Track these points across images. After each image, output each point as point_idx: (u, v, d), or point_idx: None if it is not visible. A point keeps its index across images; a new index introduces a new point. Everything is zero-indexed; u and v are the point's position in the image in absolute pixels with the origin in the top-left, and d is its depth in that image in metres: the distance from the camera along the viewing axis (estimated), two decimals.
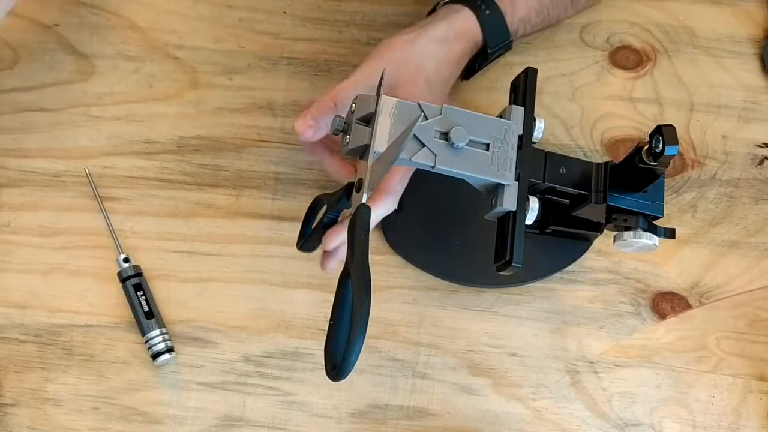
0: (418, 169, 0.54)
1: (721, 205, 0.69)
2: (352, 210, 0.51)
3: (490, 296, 0.67)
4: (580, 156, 0.70)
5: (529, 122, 0.57)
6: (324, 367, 0.49)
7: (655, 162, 0.54)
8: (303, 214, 0.68)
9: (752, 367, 0.65)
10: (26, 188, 0.69)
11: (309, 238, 0.60)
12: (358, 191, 0.51)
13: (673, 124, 0.54)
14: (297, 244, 0.61)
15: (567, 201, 0.61)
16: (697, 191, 0.70)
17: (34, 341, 0.65)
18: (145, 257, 0.67)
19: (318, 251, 0.61)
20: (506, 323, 0.66)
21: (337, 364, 0.47)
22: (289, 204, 0.69)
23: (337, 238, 0.59)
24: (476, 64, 0.69)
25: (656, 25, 0.74)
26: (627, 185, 0.58)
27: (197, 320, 0.66)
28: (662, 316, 0.66)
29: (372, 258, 0.49)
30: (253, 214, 0.69)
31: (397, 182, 0.60)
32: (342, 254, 0.61)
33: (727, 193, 0.70)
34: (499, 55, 0.70)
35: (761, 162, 0.70)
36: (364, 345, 0.46)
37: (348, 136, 0.54)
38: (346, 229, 0.52)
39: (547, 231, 0.66)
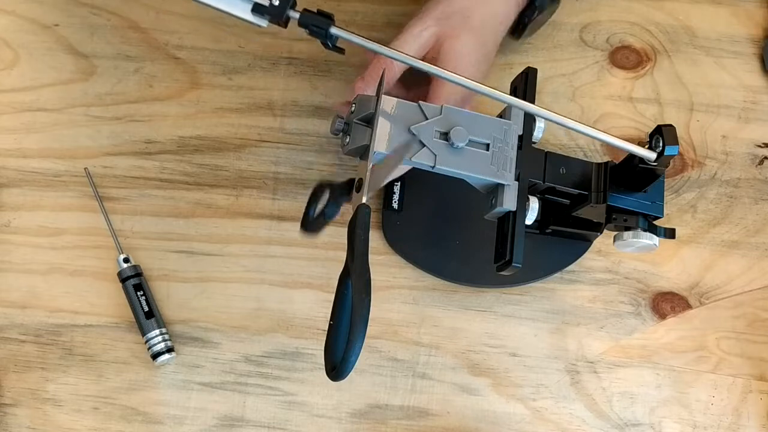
0: (418, 169, 0.54)
1: (721, 205, 0.69)
2: (352, 210, 0.51)
3: (490, 296, 0.67)
4: (580, 156, 0.70)
5: (529, 122, 0.57)
6: (324, 367, 0.49)
7: (655, 162, 0.54)
8: (302, 214, 0.68)
9: (752, 367, 0.65)
10: (26, 188, 0.69)
11: (314, 221, 0.58)
12: (358, 191, 0.51)
13: (673, 124, 0.54)
14: (301, 226, 0.59)
15: (567, 201, 0.61)
16: (697, 191, 0.70)
17: (34, 341, 0.65)
18: (145, 257, 0.67)
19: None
20: (506, 323, 0.66)
21: (337, 364, 0.47)
22: (289, 204, 0.69)
23: (366, 88, 0.60)
24: (525, 18, 0.68)
25: (656, 25, 0.74)
26: (627, 185, 0.58)
27: (197, 320, 0.66)
28: (662, 316, 0.66)
29: (372, 258, 0.49)
30: (253, 214, 0.69)
31: None
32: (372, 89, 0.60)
33: (727, 193, 0.70)
34: (545, 9, 0.69)
35: (761, 162, 0.70)
36: (364, 345, 0.46)
37: (348, 137, 0.54)
38: (372, 82, 0.54)
39: (547, 231, 0.66)
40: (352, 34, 0.51)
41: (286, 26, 0.52)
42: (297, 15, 0.51)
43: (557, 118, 0.53)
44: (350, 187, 0.54)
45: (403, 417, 0.64)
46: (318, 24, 0.51)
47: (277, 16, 0.51)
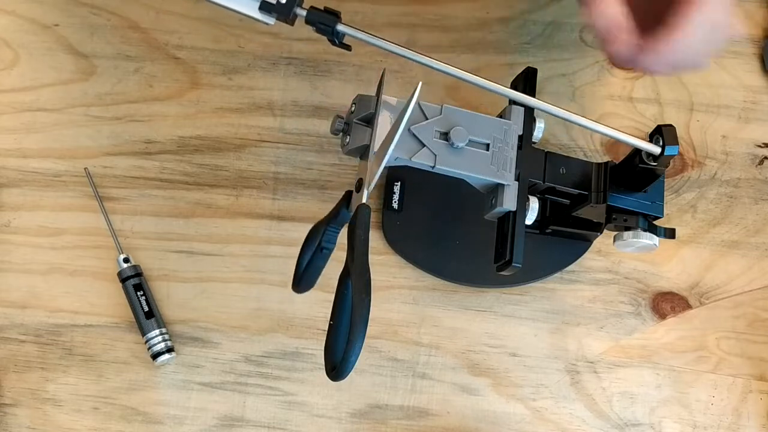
0: (417, 168, 0.54)
1: (721, 205, 0.69)
2: (351, 211, 0.51)
3: (490, 296, 0.67)
4: (580, 156, 0.70)
5: (529, 122, 0.57)
6: (324, 367, 0.49)
7: (655, 162, 0.54)
8: (302, 214, 0.68)
9: (752, 367, 0.65)
10: (26, 188, 0.69)
11: (305, 273, 0.56)
12: (358, 191, 0.51)
13: (673, 124, 0.54)
14: (292, 284, 0.57)
15: (567, 201, 0.61)
16: (697, 191, 0.70)
17: (34, 341, 0.65)
18: (145, 257, 0.67)
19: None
20: (506, 323, 0.66)
21: (337, 364, 0.47)
22: (289, 204, 0.69)
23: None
24: None
25: None
26: (627, 185, 0.58)
27: (197, 320, 0.66)
28: (662, 316, 0.66)
29: (372, 258, 0.49)
30: (253, 214, 0.69)
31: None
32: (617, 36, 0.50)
33: (727, 193, 0.70)
34: None
35: (761, 162, 0.70)
36: (364, 345, 0.46)
37: (348, 137, 0.54)
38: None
39: (547, 231, 0.66)
40: (358, 31, 0.51)
41: (293, 24, 0.52)
42: (304, 12, 0.51)
43: (565, 114, 0.53)
44: (346, 201, 0.53)
45: (403, 417, 0.64)
46: (325, 21, 0.51)
47: (284, 14, 0.51)
